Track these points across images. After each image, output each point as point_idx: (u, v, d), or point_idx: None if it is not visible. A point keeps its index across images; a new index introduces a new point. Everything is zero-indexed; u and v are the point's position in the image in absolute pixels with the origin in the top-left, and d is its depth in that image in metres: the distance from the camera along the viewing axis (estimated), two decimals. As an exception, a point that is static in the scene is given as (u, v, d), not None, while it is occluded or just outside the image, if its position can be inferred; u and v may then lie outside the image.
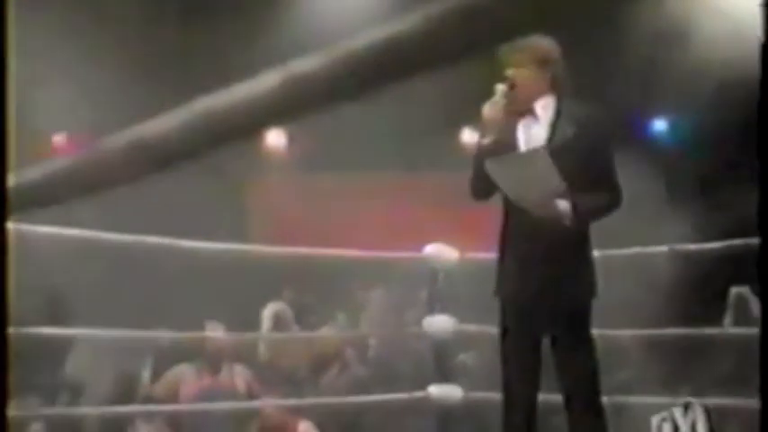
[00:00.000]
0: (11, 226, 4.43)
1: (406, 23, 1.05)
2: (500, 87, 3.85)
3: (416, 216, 7.39)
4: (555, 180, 3.69)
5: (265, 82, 1.20)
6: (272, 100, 1.19)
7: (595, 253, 3.99)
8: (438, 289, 5.74)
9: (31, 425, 5.58)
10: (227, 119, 1.24)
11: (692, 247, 5.71)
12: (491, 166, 3.75)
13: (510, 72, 3.85)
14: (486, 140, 3.83)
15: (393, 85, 1.09)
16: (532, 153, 3.78)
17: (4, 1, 1.36)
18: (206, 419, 5.84)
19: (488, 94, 3.89)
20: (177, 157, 1.33)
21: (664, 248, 5.65)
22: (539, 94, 3.88)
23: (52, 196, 1.62)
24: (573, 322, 3.85)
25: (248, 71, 1.27)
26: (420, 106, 6.66)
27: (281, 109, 1.21)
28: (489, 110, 3.82)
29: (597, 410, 3.85)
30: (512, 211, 3.86)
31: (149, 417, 5.73)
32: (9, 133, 1.38)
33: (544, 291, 3.81)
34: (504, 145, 3.82)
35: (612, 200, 3.87)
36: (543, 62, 3.88)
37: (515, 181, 3.77)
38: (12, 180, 1.76)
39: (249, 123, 1.25)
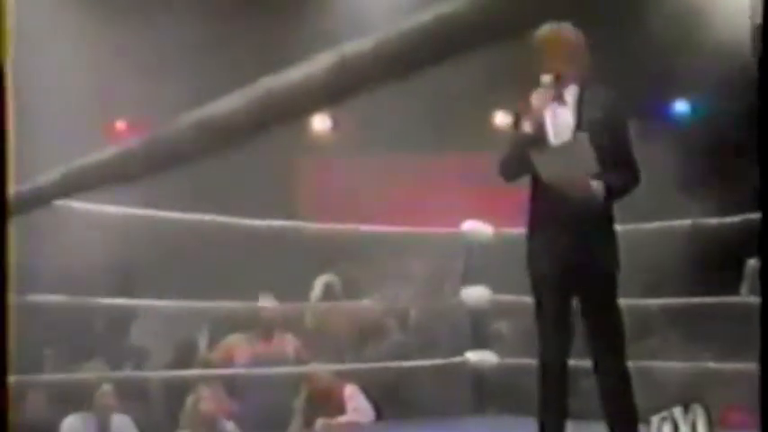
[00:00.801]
0: (78, 205, 4.43)
1: (452, 6, 1.04)
2: (546, 78, 3.82)
3: (454, 194, 7.34)
4: (592, 163, 3.69)
5: (321, 63, 1.19)
6: (327, 81, 1.19)
7: (621, 227, 3.96)
8: (474, 262, 5.74)
9: (101, 385, 5.65)
10: (287, 99, 1.24)
11: (713, 221, 5.66)
12: (536, 156, 3.74)
13: (553, 64, 3.82)
14: (528, 128, 3.81)
15: (441, 64, 1.08)
16: (577, 139, 3.76)
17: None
18: (259, 383, 5.88)
19: (519, 78, 3.86)
20: (241, 136, 1.33)
21: (686, 222, 5.61)
22: (569, 82, 3.87)
23: (124, 175, 1.62)
24: (600, 292, 3.84)
25: (303, 54, 1.26)
26: (457, 90, 6.63)
27: (335, 89, 1.20)
28: (537, 99, 3.80)
29: (624, 374, 3.84)
30: (538, 191, 3.85)
31: (207, 380, 5.78)
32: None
33: (571, 264, 3.80)
34: (539, 131, 3.81)
35: (634, 178, 3.87)
36: (574, 52, 3.87)
37: (557, 167, 3.76)
38: (81, 161, 1.76)
39: (306, 103, 1.24)
